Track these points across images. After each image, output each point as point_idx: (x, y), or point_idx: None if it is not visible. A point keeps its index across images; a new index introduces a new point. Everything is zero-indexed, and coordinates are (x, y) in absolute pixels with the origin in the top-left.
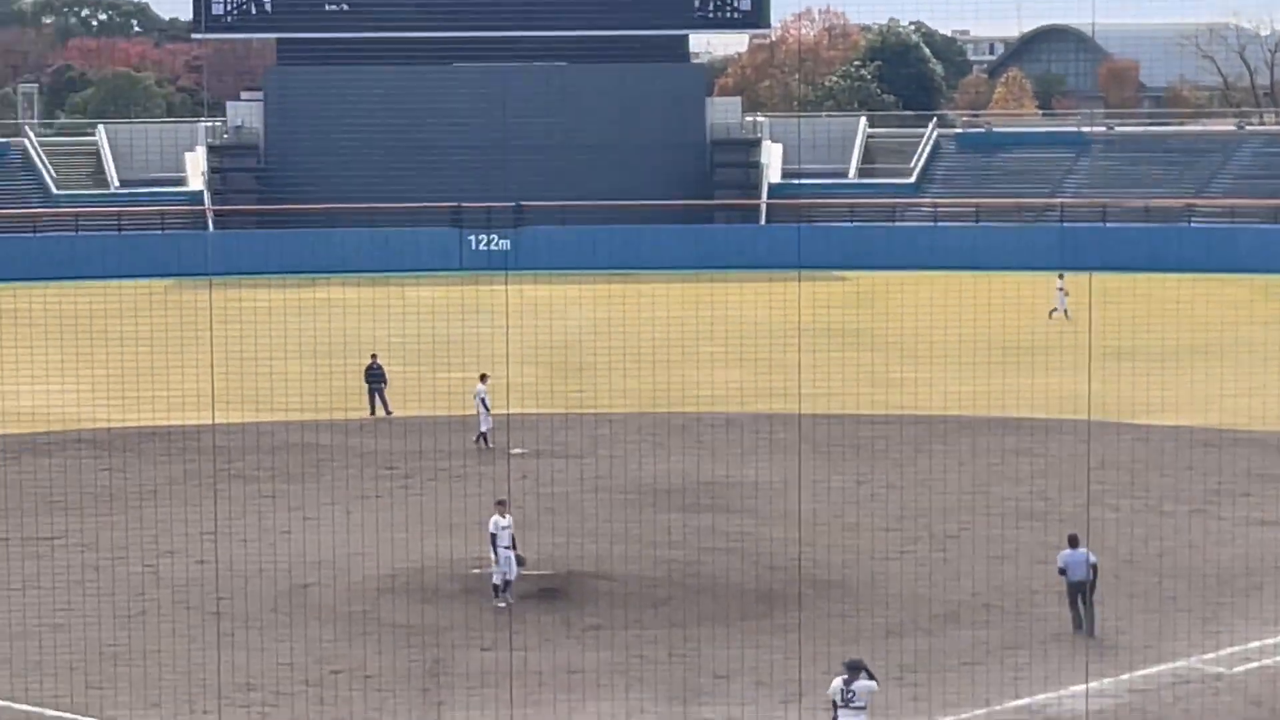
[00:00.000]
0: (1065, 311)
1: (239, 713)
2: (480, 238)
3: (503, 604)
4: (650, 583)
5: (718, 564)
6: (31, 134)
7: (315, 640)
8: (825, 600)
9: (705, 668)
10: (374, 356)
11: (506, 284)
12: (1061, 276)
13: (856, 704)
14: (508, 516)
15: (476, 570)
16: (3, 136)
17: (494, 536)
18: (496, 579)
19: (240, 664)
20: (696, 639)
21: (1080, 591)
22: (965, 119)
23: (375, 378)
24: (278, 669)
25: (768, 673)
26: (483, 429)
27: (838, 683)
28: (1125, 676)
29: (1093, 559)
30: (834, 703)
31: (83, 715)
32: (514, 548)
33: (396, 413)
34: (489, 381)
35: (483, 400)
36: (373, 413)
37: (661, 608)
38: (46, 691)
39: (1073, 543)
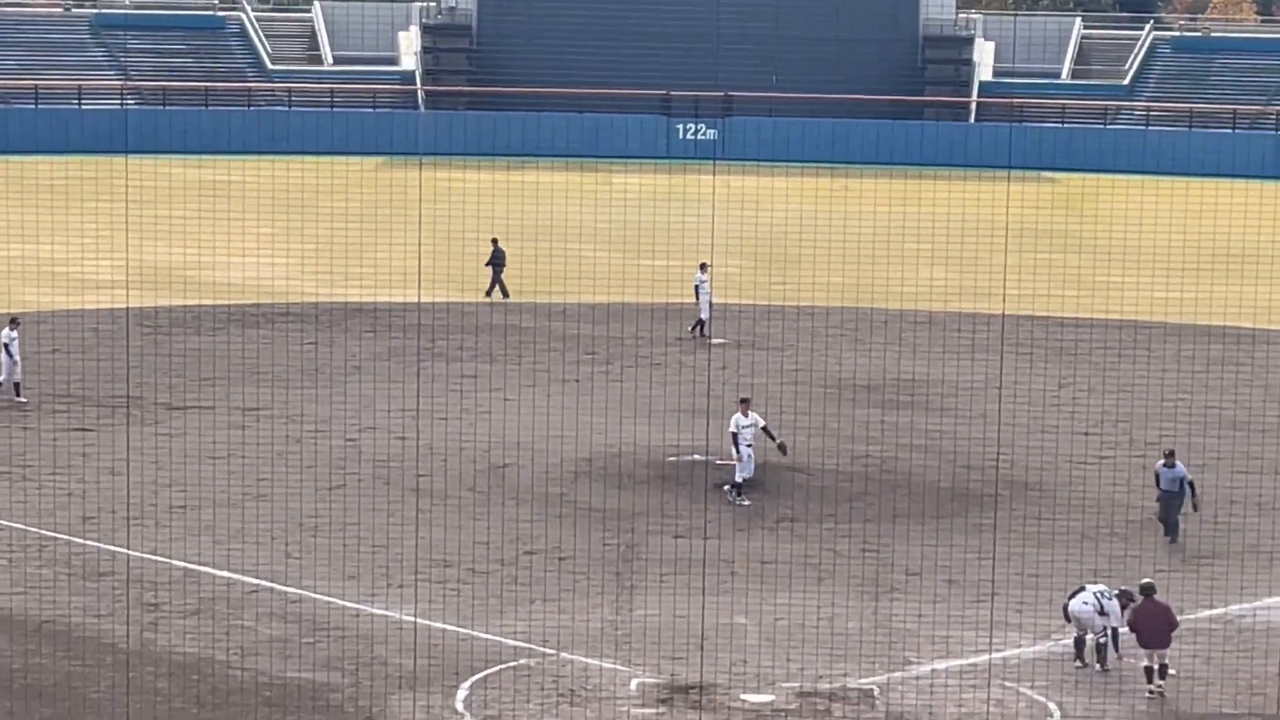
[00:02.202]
0: None
1: (434, 588)
2: (688, 126)
3: (746, 502)
4: (845, 477)
5: (914, 461)
6: (249, 8)
7: (511, 520)
8: (1020, 502)
9: (897, 564)
10: (495, 241)
11: (714, 173)
12: None
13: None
14: (750, 415)
15: (673, 458)
16: (220, 10)
17: (735, 435)
18: (739, 477)
19: (437, 540)
20: (890, 535)
21: (1170, 503)
22: (1182, 23)
23: (497, 261)
24: (474, 547)
25: (960, 571)
26: (702, 317)
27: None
28: None
29: (1189, 476)
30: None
31: (281, 584)
32: (773, 438)
33: (603, 299)
34: (709, 270)
35: (698, 288)
36: (489, 295)
37: (855, 503)
38: (247, 559)
39: (1169, 458)
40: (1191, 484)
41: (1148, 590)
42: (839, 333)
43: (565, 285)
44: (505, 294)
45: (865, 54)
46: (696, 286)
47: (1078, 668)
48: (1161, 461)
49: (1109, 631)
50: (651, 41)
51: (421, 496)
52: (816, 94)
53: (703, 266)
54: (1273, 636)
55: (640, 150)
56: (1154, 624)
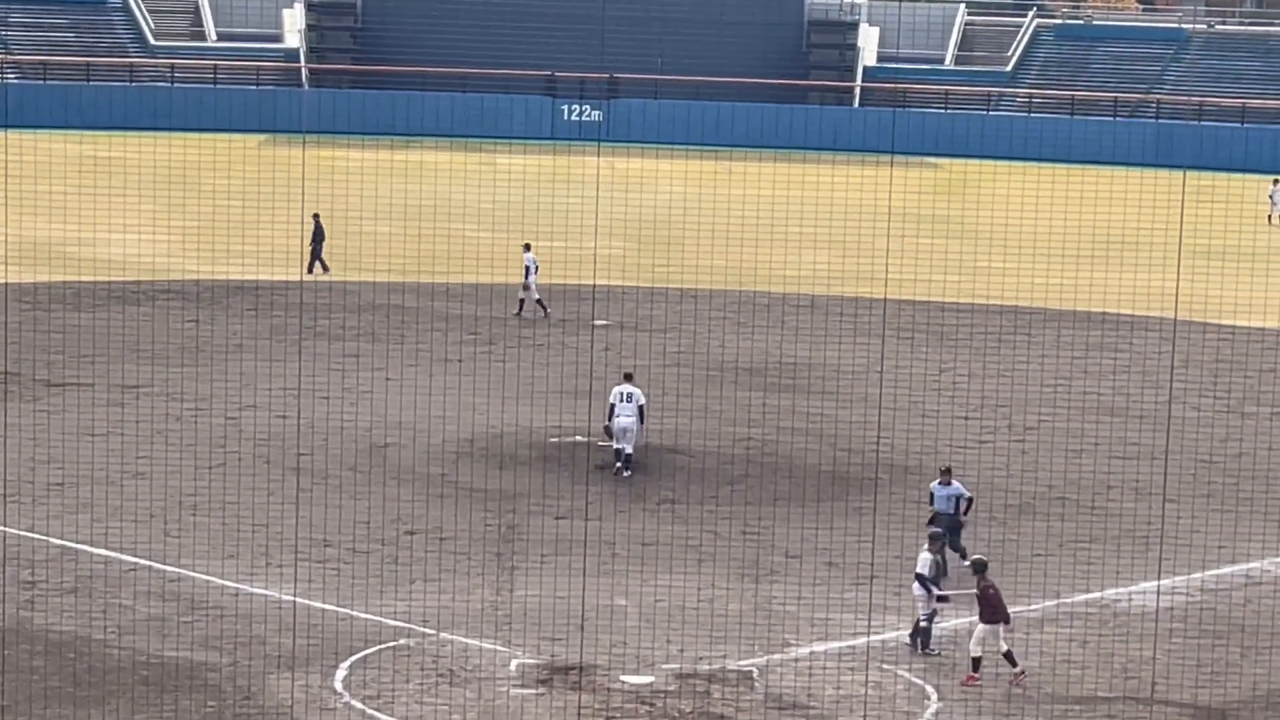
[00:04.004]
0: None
1: (314, 568)
2: (573, 108)
3: (626, 473)
4: (726, 460)
5: (794, 445)
6: None
7: (392, 500)
8: (900, 486)
9: (777, 547)
10: (316, 216)
11: (599, 155)
12: (1276, 182)
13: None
14: (631, 387)
15: (554, 439)
16: None
17: (613, 407)
18: (621, 446)
19: (317, 520)
20: (770, 518)
21: (945, 523)
22: (1065, 10)
23: (316, 237)
24: (354, 526)
25: (839, 554)
26: (532, 297)
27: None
28: (1197, 575)
29: (968, 494)
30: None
31: (159, 563)
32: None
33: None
34: (533, 250)
35: (529, 269)
36: (310, 271)
37: (736, 485)
38: (125, 537)
39: (945, 476)
40: (970, 500)
41: (980, 567)
42: (721, 315)
43: (449, 265)
44: (325, 268)
45: (750, 38)
46: (527, 267)
47: (914, 651)
48: (937, 480)
49: (930, 616)
50: (537, 22)
51: (302, 476)
52: (701, 77)
53: (527, 247)
54: (1148, 621)
55: (525, 131)
56: (991, 599)
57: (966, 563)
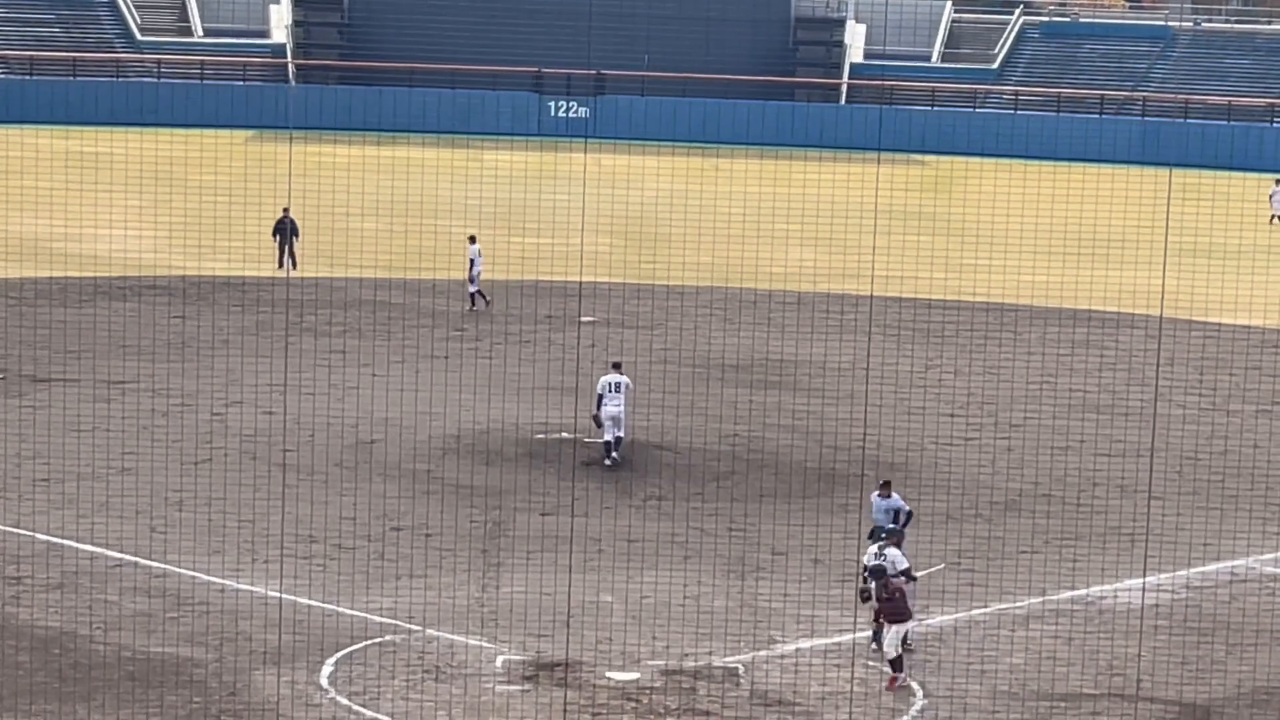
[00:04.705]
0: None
1: (300, 564)
2: (560, 104)
3: (607, 461)
4: (712, 456)
5: (780, 441)
6: None
7: (378, 496)
8: None
9: (763, 543)
10: (285, 210)
11: (585, 152)
12: (1278, 183)
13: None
14: (619, 376)
15: (541, 436)
16: None
17: (601, 396)
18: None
19: (303, 516)
20: (756, 515)
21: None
22: (1052, 7)
23: (288, 231)
24: (340, 523)
25: (825, 551)
26: (471, 289)
27: (873, 549)
28: (1182, 573)
29: (907, 507)
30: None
31: (145, 559)
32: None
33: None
34: (478, 243)
35: (473, 261)
36: (280, 265)
37: (722, 482)
38: (112, 533)
39: (884, 489)
40: (910, 514)
41: (879, 573)
42: (708, 312)
43: (435, 262)
44: (294, 264)
45: (737, 34)
46: (472, 260)
47: (873, 650)
48: (876, 492)
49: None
50: (524, 19)
51: (288, 472)
52: (688, 73)
53: (472, 239)
54: (1133, 618)
55: (511, 127)
56: (897, 601)
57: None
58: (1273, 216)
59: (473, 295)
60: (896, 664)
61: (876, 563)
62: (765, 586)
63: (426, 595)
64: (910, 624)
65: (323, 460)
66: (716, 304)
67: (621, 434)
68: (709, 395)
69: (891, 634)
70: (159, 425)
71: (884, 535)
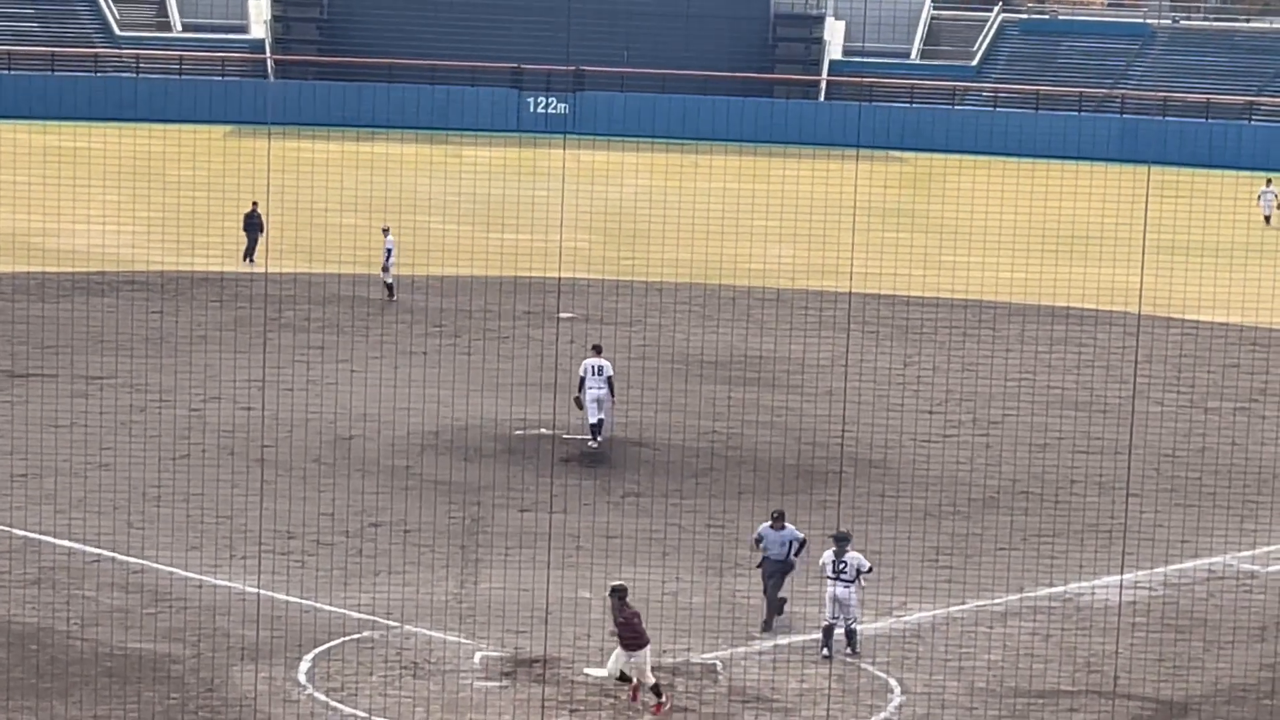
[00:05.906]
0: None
1: (278, 560)
2: (539, 100)
3: (593, 444)
4: (691, 453)
5: (759, 438)
6: None
7: (356, 492)
8: (864, 479)
9: (742, 540)
10: (254, 204)
11: (565, 148)
12: (1269, 183)
13: (847, 577)
14: (600, 361)
15: (519, 432)
16: None
17: (583, 380)
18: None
19: (281, 512)
20: (735, 511)
21: (775, 576)
22: (1031, 5)
23: (253, 226)
24: (318, 518)
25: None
26: (387, 281)
27: (828, 555)
28: (1160, 570)
29: (802, 536)
30: (825, 575)
31: (123, 554)
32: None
33: (450, 272)
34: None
35: (389, 251)
36: (247, 259)
37: (701, 478)
38: (89, 529)
39: (777, 521)
40: (804, 542)
41: (621, 593)
42: (687, 309)
43: (414, 257)
44: (252, 259)
45: (716, 30)
46: (388, 249)
47: (824, 656)
48: (768, 523)
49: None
50: (503, 14)
51: (266, 467)
52: (668, 70)
53: (386, 230)
54: (1110, 615)
55: (491, 123)
56: (633, 625)
57: (781, 615)
58: (1266, 217)
59: (389, 285)
60: (625, 680)
61: (619, 582)
62: (743, 583)
63: (405, 591)
64: (646, 650)
65: (301, 456)
66: (696, 300)
67: (604, 417)
68: (688, 392)
69: (619, 657)
70: (137, 421)
71: (846, 539)
